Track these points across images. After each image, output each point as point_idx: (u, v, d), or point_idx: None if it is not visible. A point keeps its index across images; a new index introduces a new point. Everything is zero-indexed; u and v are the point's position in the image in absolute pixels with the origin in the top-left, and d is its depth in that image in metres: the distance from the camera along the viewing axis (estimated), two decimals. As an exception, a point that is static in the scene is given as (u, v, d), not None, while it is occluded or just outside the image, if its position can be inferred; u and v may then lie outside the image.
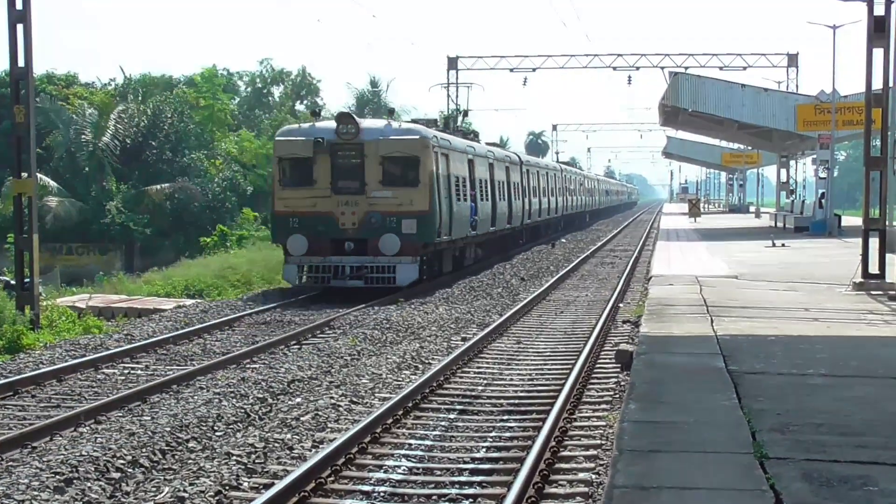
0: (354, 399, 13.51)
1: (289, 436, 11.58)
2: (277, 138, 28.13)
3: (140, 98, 64.90)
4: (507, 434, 11.79)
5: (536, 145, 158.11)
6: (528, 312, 22.54)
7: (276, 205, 27.32)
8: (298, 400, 13.51)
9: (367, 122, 28.22)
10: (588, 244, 49.20)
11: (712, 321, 15.97)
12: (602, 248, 45.98)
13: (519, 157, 46.37)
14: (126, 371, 16.24)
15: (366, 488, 9.81)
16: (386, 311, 22.84)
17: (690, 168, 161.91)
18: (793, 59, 64.90)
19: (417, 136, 27.27)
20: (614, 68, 65.52)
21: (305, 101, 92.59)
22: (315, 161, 26.63)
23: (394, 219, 26.38)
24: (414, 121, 33.12)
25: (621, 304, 23.43)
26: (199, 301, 26.96)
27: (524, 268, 33.97)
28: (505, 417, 12.61)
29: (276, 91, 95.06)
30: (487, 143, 40.37)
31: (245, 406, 13.00)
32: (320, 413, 12.64)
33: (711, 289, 21.27)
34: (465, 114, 39.71)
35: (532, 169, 48.00)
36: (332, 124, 27.25)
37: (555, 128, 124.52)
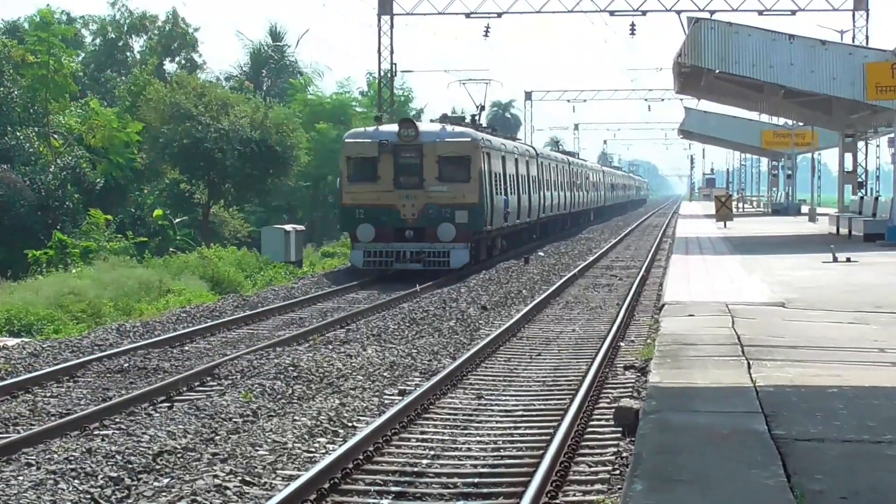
0: (248, 478, 13.45)
1: (154, 532, 11.50)
2: (347, 140, 43.53)
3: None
4: (464, 527, 11.79)
5: (504, 120, 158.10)
6: (491, 355, 22.57)
7: (344, 198, 42.51)
8: (167, 481, 13.43)
9: (424, 126, 44.20)
10: (575, 259, 49.43)
11: (749, 366, 16.05)
12: (594, 265, 46.23)
13: (535, 149, 65.06)
14: (-79, 441, 16.07)
15: None
16: (293, 353, 22.78)
17: (717, 152, 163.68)
18: (860, 0, 65.26)
19: (469, 139, 42.61)
20: (612, 13, 65.60)
21: (178, 58, 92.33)
22: (379, 160, 41.52)
23: (448, 210, 41.18)
24: (443, 117, 48.90)
25: (622, 343, 23.51)
26: (26, 340, 26.74)
27: (486, 292, 34.04)
28: None
29: (137, 43, 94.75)
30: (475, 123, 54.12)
31: (92, 490, 12.89)
32: (199, 499, 12.57)
33: (748, 321, 21.38)
34: (482, 108, 53.87)
35: (545, 161, 64.77)
36: (395, 128, 42.63)
37: (529, 96, 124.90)
